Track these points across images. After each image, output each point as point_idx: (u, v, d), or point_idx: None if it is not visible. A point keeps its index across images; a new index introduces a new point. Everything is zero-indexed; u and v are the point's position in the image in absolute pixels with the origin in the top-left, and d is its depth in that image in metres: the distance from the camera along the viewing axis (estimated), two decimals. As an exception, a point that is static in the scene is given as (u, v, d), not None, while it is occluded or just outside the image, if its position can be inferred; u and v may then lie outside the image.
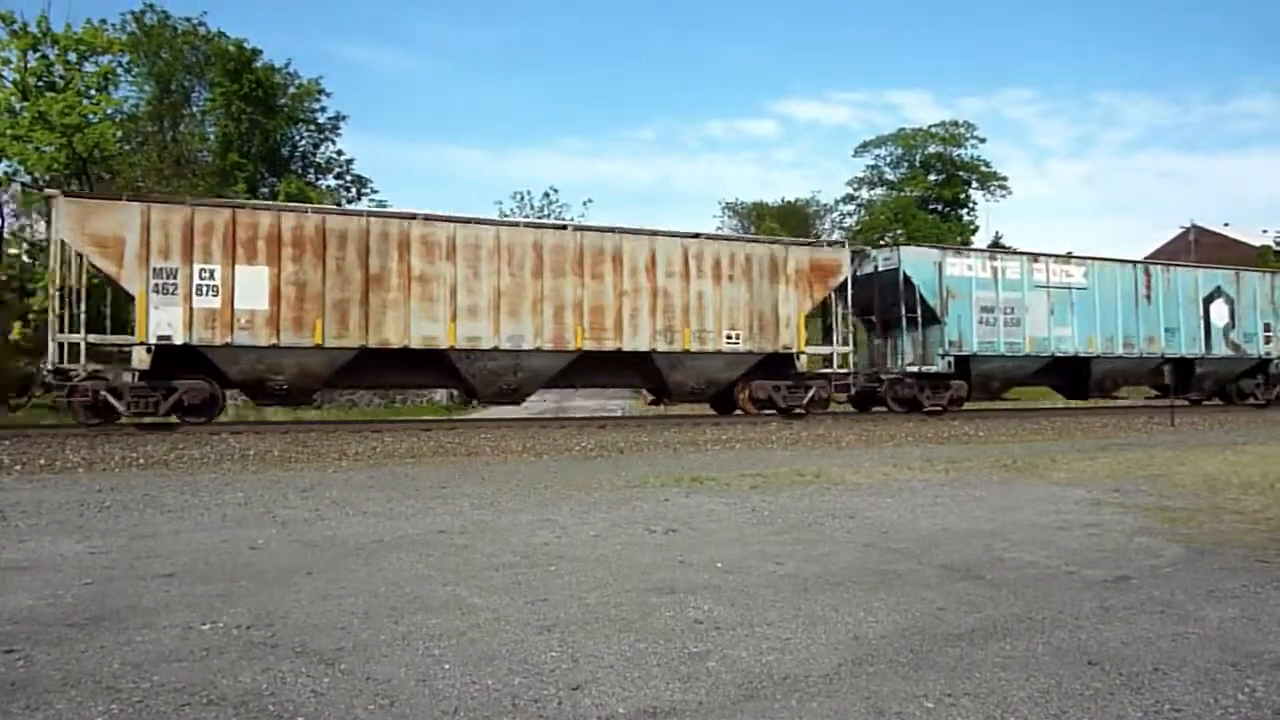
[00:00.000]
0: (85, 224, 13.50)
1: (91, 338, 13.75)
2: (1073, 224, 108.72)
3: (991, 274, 20.04)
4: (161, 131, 34.71)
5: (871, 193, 56.40)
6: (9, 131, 25.85)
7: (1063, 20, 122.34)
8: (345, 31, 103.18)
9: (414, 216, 15.28)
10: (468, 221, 15.74)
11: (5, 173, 26.57)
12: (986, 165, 54.27)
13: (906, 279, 19.29)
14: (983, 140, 54.25)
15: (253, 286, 14.14)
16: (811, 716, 3.09)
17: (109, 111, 28.56)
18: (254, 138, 31.93)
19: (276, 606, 4.44)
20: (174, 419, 14.36)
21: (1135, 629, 4.11)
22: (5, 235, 28.56)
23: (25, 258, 28.32)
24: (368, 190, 37.06)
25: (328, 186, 35.18)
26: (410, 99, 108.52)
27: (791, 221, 52.81)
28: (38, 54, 27.27)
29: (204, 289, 13.89)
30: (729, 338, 17.21)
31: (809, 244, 19.25)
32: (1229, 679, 3.44)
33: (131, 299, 13.75)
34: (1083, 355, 20.93)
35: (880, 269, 20.06)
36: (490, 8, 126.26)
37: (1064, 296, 20.76)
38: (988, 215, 58.92)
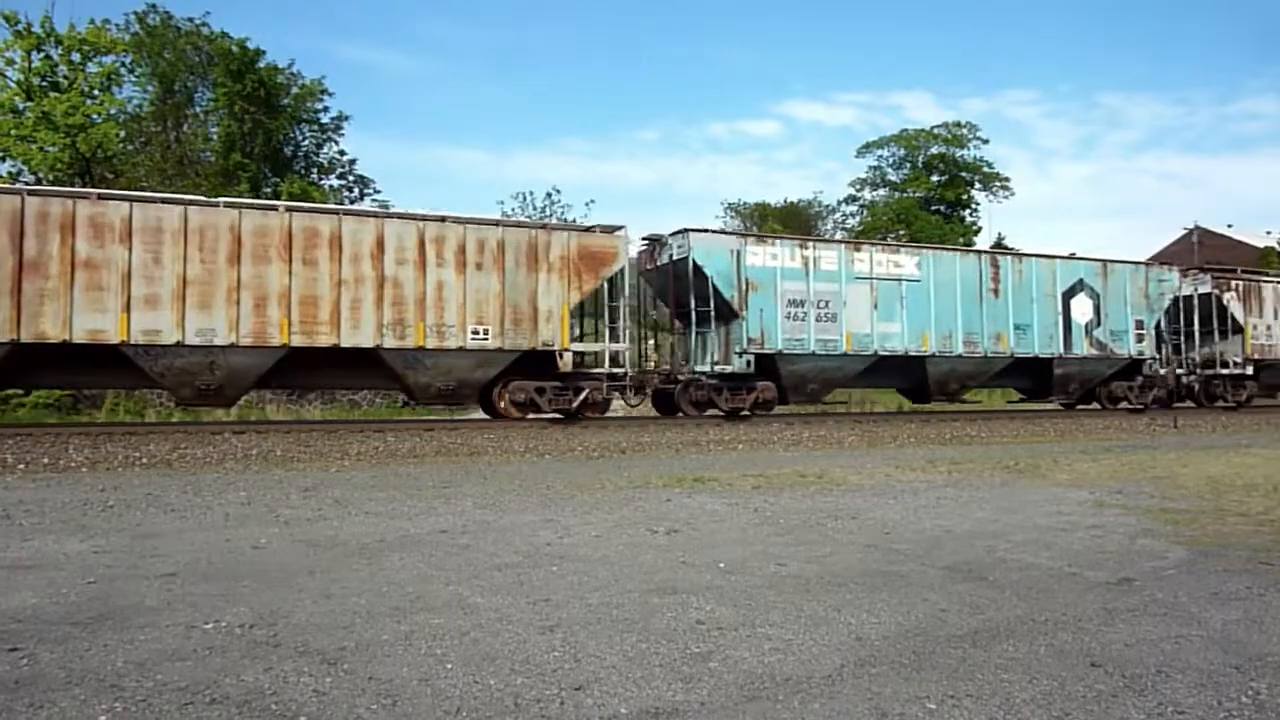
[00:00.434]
0: None
1: None
2: (1076, 226, 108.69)
3: (802, 264, 17.97)
4: (165, 132, 34.75)
5: (874, 194, 56.44)
6: (13, 132, 25.93)
7: (1065, 21, 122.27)
8: (347, 32, 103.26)
9: (86, 196, 13.67)
10: (149, 200, 14.08)
11: (9, 173, 26.62)
12: (989, 166, 54.32)
13: (698, 269, 17.24)
14: (986, 141, 54.35)
15: None
16: (814, 717, 3.09)
17: (112, 112, 28.66)
18: (257, 138, 31.95)
19: (279, 606, 4.45)
20: None
21: (1138, 631, 4.11)
22: None
23: None
24: (370, 190, 37.09)
25: (330, 187, 35.21)
26: (412, 100, 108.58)
27: (794, 222, 52.76)
28: (41, 54, 27.36)
29: None
30: (475, 333, 15.39)
31: (577, 229, 17.39)
32: (1232, 681, 3.43)
33: None
34: (914, 354, 18.89)
35: (675, 258, 17.86)
36: (492, 9, 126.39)
37: (892, 289, 18.70)
38: (991, 216, 58.99)
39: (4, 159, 26.88)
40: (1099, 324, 21.11)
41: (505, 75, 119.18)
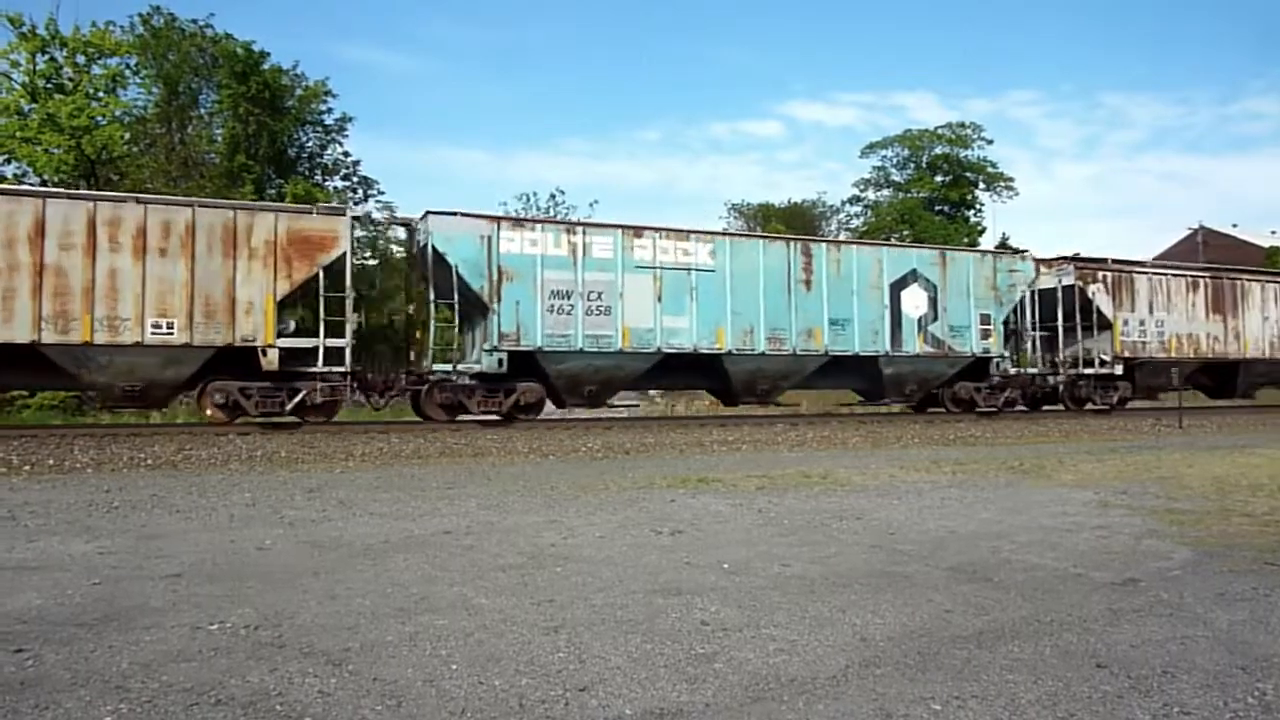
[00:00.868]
0: None
1: None
2: (1080, 225, 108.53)
3: (569, 250, 16.22)
4: (169, 133, 34.79)
5: (878, 194, 56.43)
6: (18, 133, 26.00)
7: (1067, 22, 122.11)
8: (349, 33, 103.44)
9: None
10: None
11: (14, 175, 26.70)
12: (993, 166, 54.25)
13: (438, 255, 15.64)
14: (989, 141, 54.29)
15: None
16: (819, 718, 3.08)
17: (117, 113, 28.72)
18: (261, 139, 31.97)
19: (284, 607, 4.45)
20: None
21: (1144, 631, 4.10)
22: None
23: None
24: (374, 191, 37.11)
25: (335, 188, 35.23)
26: (414, 100, 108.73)
27: (797, 222, 52.73)
28: (46, 56, 27.44)
29: None
30: (157, 327, 13.76)
31: (288, 209, 15.81)
32: (1238, 682, 3.42)
33: None
34: (706, 352, 17.16)
35: (421, 244, 16.35)
36: (493, 9, 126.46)
37: (680, 280, 16.91)
38: (994, 216, 58.89)
39: (9, 161, 26.97)
40: (935, 318, 19.23)
41: (506, 76, 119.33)
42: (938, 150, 53.72)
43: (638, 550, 5.98)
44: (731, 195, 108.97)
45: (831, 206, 60.33)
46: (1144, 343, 22.03)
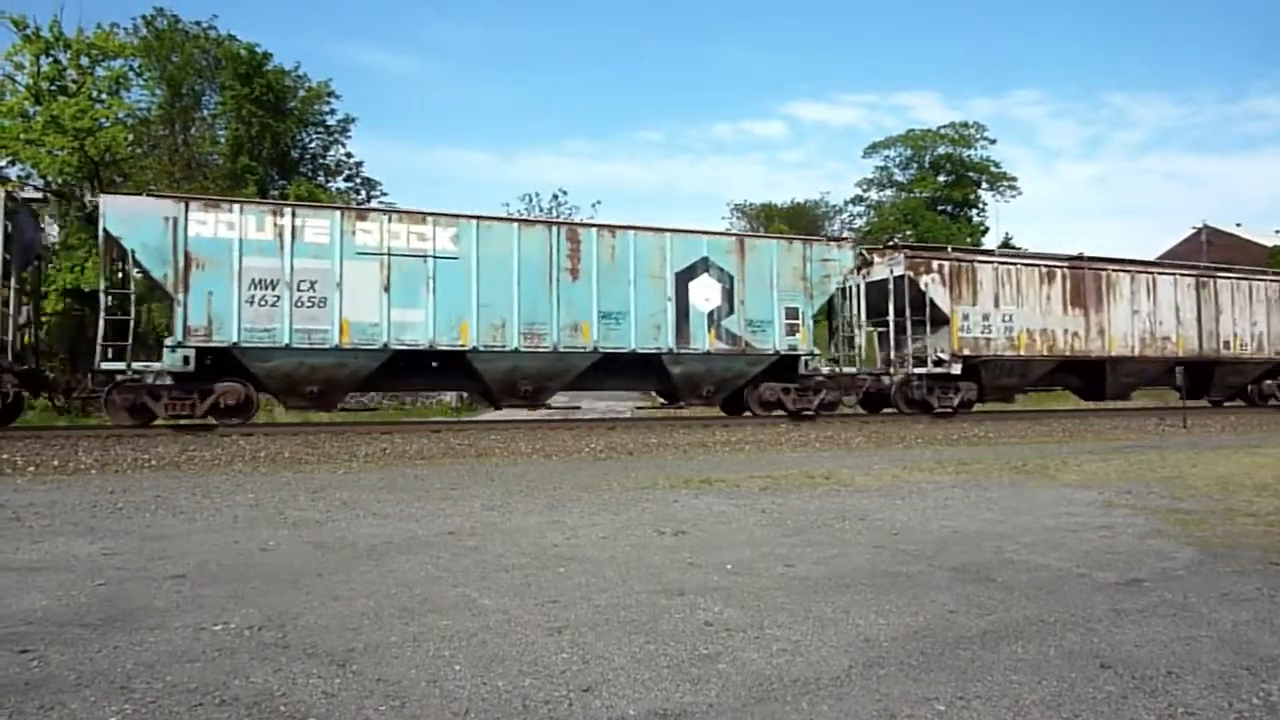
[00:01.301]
0: None
1: None
2: (1083, 225, 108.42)
3: (275, 234, 14.42)
4: (173, 135, 34.88)
5: (881, 194, 56.44)
6: (22, 135, 26.02)
7: (1071, 22, 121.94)
8: (352, 35, 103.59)
9: None
10: None
11: (19, 176, 26.75)
12: (996, 166, 54.23)
13: (112, 239, 14.03)
14: (992, 141, 54.31)
15: None
16: (822, 718, 3.08)
17: (121, 115, 28.73)
18: (264, 141, 32.03)
19: (288, 607, 4.46)
20: None
21: (1148, 632, 4.09)
22: None
23: None
24: (377, 192, 37.16)
25: (338, 189, 35.28)
26: (417, 102, 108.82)
27: (800, 222, 52.80)
28: (50, 58, 27.46)
29: None
30: None
31: None
32: (1243, 682, 3.42)
33: None
34: (446, 349, 15.42)
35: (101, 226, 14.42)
36: (495, 10, 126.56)
37: (415, 268, 15.18)
38: (998, 216, 58.81)
39: (13, 163, 27.01)
40: (730, 312, 17.28)
41: (509, 77, 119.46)
42: (940, 150, 53.71)
43: (641, 551, 5.98)
44: (734, 196, 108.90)
45: (834, 207, 60.42)
46: (988, 339, 20.06)
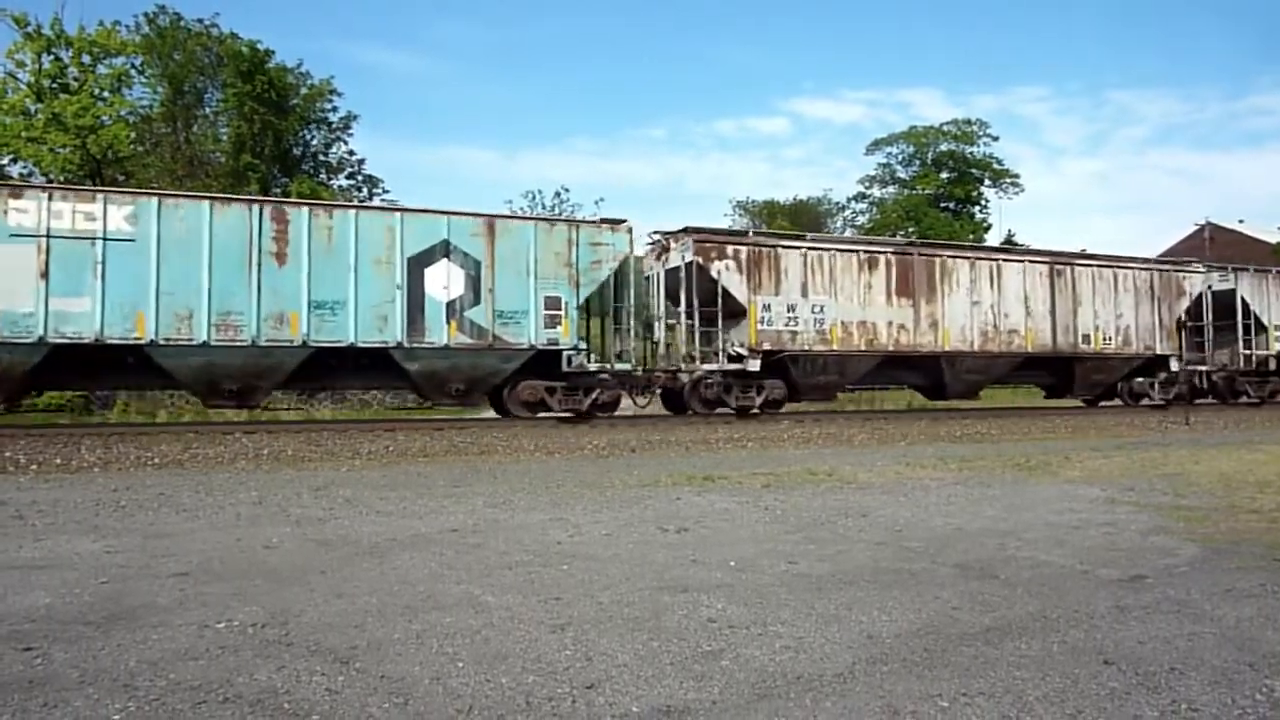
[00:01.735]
0: None
1: None
2: (1087, 222, 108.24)
3: None
4: (175, 133, 34.92)
5: (883, 191, 56.39)
6: (24, 133, 26.08)
7: (1074, 18, 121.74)
8: (354, 33, 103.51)
9: None
10: None
11: (21, 174, 26.78)
12: (999, 163, 54.15)
13: None
14: (995, 138, 54.15)
15: None
16: (826, 716, 3.08)
17: (122, 113, 28.80)
18: (266, 138, 32.04)
19: (291, 605, 4.46)
20: None
21: (1151, 628, 4.09)
22: None
23: None
24: (379, 190, 37.20)
25: (339, 187, 35.31)
26: (420, 99, 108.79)
27: (803, 219, 52.72)
28: (52, 56, 27.51)
29: None
30: None
31: None
32: (1246, 679, 3.42)
33: None
34: (118, 342, 13.73)
35: None
36: (500, 8, 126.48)
37: (81, 252, 13.46)
38: (1001, 213, 58.62)
39: (15, 160, 27.06)
40: (477, 302, 15.49)
41: (512, 74, 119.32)
42: (943, 147, 53.64)
43: (644, 548, 5.98)
44: (738, 193, 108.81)
45: (837, 204, 60.33)
46: (794, 333, 17.97)
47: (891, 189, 55.93)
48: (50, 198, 13.65)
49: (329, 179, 35.43)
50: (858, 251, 19.06)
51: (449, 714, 3.08)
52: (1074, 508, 7.68)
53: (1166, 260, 25.69)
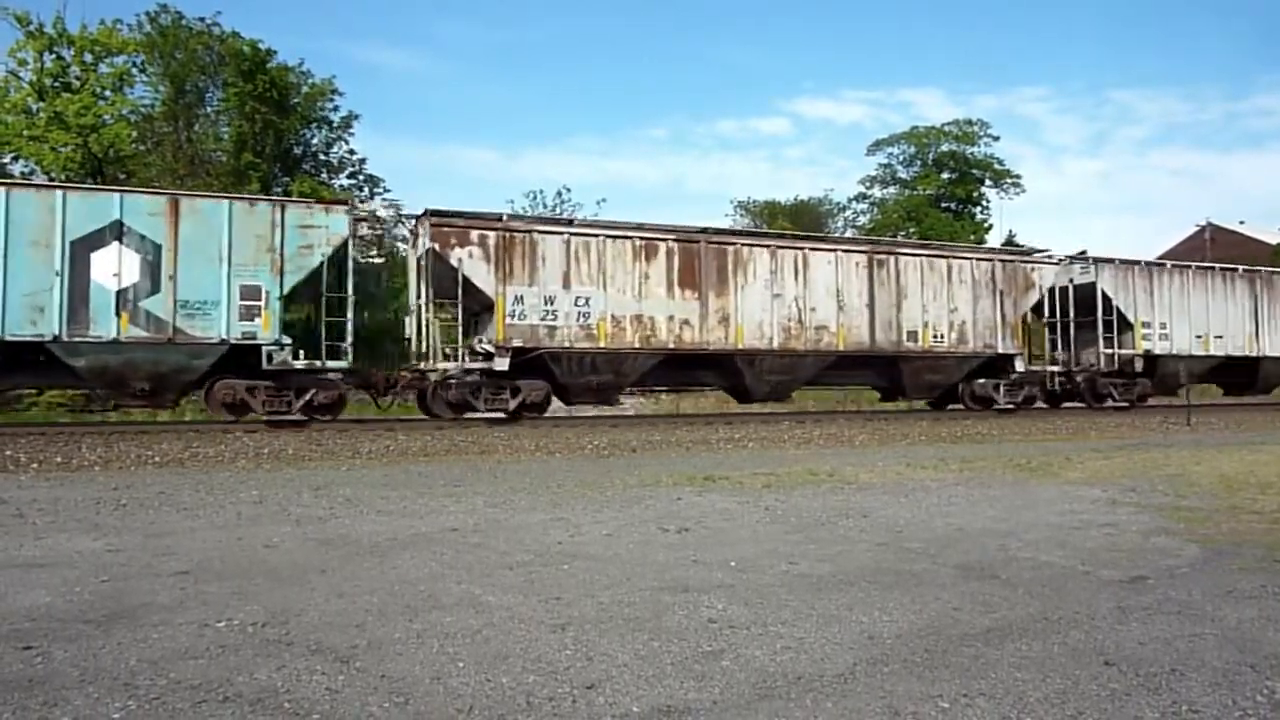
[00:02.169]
0: None
1: None
2: (1088, 222, 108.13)
3: None
4: (176, 132, 34.89)
5: (884, 191, 56.31)
6: (25, 131, 26.11)
7: (1076, 17, 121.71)
8: (355, 32, 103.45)
9: None
10: None
11: (22, 173, 26.80)
12: (1000, 163, 54.06)
13: None
14: (996, 138, 54.06)
15: None
16: (826, 716, 3.08)
17: (124, 112, 28.82)
18: (268, 137, 32.03)
19: (291, 604, 4.46)
20: None
21: (1152, 629, 4.08)
22: None
23: None
24: (380, 190, 37.17)
25: (340, 186, 35.29)
26: (421, 99, 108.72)
27: (804, 219, 52.66)
28: (53, 55, 27.53)
29: None
30: None
31: None
32: (1247, 680, 3.41)
33: None
34: None
35: None
36: (501, 8, 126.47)
37: None
38: (1002, 213, 58.57)
39: (17, 159, 27.09)
40: (156, 290, 13.96)
41: (513, 74, 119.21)
42: (944, 147, 53.54)
43: (644, 548, 5.98)
44: (739, 193, 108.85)
45: (838, 204, 60.25)
46: (552, 328, 16.31)
47: (893, 189, 55.87)
48: None
49: (330, 179, 35.42)
50: (632, 238, 17.16)
51: (449, 714, 3.07)
52: (1075, 509, 7.67)
53: (1011, 250, 23.96)
